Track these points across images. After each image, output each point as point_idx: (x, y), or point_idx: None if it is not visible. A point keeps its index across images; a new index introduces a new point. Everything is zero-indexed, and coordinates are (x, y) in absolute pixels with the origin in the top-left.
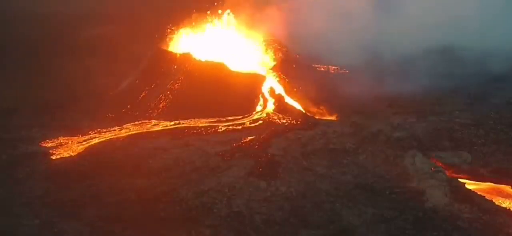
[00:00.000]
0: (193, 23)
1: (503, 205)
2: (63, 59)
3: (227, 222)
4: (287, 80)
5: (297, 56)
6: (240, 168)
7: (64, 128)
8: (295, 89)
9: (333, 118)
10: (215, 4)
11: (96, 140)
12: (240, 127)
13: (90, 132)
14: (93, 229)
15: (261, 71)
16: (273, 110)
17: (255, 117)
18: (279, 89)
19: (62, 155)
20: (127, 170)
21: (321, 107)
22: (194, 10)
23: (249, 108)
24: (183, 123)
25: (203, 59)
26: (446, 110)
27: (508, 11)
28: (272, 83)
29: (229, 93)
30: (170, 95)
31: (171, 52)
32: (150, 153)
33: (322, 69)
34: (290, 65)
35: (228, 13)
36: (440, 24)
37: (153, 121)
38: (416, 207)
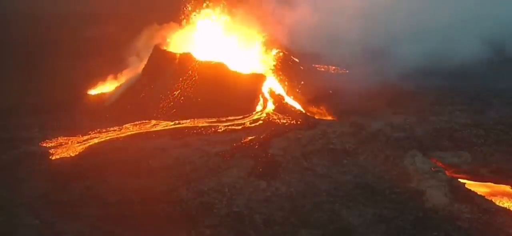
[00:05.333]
0: (193, 23)
1: (503, 205)
2: (63, 59)
3: (227, 222)
4: (287, 80)
5: (297, 56)
6: (240, 168)
7: (64, 128)
8: (295, 89)
9: (333, 118)
10: (216, 5)
11: (96, 140)
12: (240, 127)
13: (90, 132)
14: (93, 229)
15: (261, 71)
16: (273, 110)
17: (255, 117)
18: (279, 89)
19: (62, 155)
20: (127, 170)
21: (321, 107)
22: (194, 10)
23: (249, 108)
24: (183, 123)
25: (203, 59)
26: (446, 110)
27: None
28: (272, 83)
29: (229, 93)
30: (170, 95)
31: (171, 52)
32: (150, 153)
33: (322, 69)
34: (290, 65)
35: (228, 13)
36: (441, 24)
37: (153, 121)
38: (416, 207)
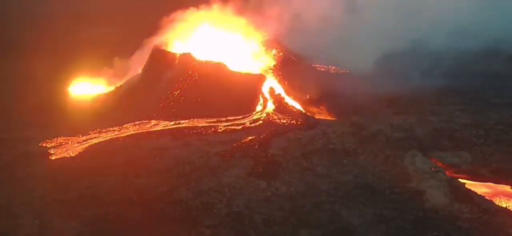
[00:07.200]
0: (193, 23)
1: (503, 205)
2: (63, 59)
3: (227, 222)
4: (287, 80)
5: (297, 56)
6: (240, 168)
7: (64, 128)
8: (295, 89)
9: (333, 118)
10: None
11: (96, 140)
12: (240, 127)
13: (90, 132)
14: (93, 229)
15: (261, 71)
16: (273, 110)
17: (255, 117)
18: (279, 89)
19: (62, 155)
20: (127, 170)
21: (321, 107)
22: (194, 10)
23: (249, 108)
24: (183, 123)
25: (203, 59)
26: (446, 110)
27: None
28: (272, 83)
29: (229, 93)
30: (170, 95)
31: (171, 52)
32: (150, 153)
33: (322, 69)
34: (290, 65)
35: (228, 13)
36: (441, 24)
37: (153, 121)
38: (416, 207)
